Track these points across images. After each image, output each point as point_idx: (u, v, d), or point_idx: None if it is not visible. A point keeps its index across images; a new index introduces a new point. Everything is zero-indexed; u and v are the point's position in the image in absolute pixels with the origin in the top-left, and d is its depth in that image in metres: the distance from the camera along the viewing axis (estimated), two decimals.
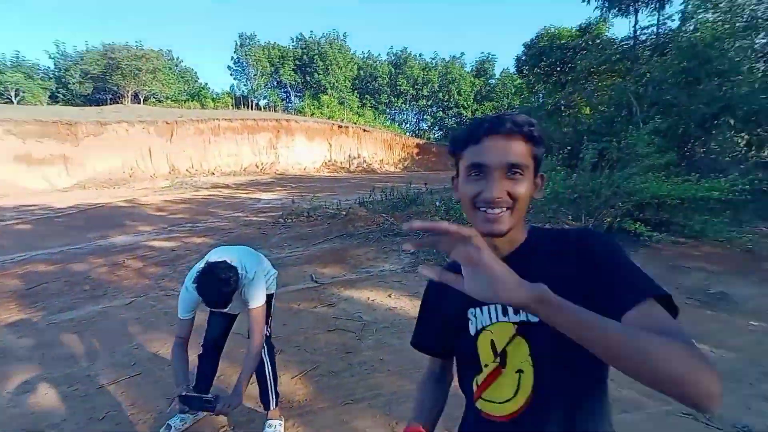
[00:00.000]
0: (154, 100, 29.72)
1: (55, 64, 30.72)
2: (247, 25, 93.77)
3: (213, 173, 20.90)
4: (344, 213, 8.51)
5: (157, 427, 1.99)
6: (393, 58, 38.38)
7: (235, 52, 35.13)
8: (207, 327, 2.13)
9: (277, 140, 24.80)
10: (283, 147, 24.91)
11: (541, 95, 18.16)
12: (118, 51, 27.47)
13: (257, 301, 1.81)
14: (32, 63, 30.15)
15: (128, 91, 28.17)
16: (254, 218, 8.90)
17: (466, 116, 37.03)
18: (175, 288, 4.31)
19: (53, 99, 28.69)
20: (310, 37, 35.69)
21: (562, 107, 16.28)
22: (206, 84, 37.02)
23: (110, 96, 29.00)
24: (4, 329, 3.42)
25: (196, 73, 36.84)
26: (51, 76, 30.49)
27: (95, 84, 28.60)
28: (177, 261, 5.49)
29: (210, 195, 13.66)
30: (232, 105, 31.23)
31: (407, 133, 36.24)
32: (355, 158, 28.36)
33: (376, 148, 30.08)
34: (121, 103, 27.12)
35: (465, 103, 37.16)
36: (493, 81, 38.91)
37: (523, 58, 16.58)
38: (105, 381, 2.50)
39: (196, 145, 21.54)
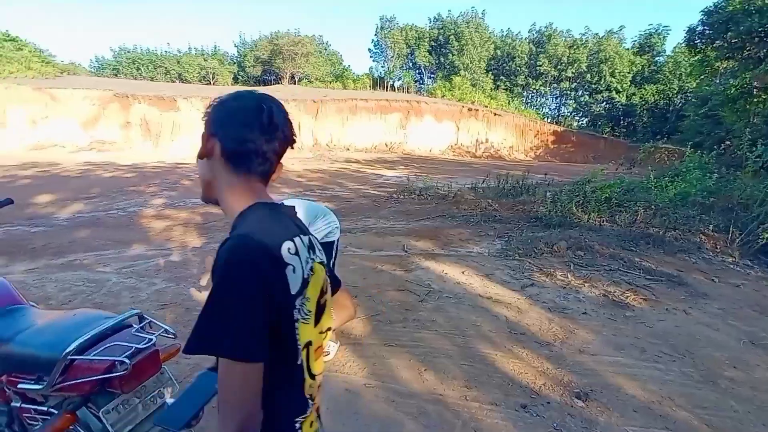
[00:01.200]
0: (306, 81, 33.97)
1: (237, 52, 37.67)
2: (389, 8, 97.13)
3: (348, 149, 23.16)
4: (452, 195, 8.73)
5: None
6: (535, 35, 35.10)
7: (375, 34, 37.27)
8: None
9: (407, 121, 25.83)
10: (412, 127, 25.86)
11: (723, 75, 14.61)
12: (281, 38, 32.08)
13: None
14: (224, 51, 37.65)
15: (287, 73, 32.81)
16: (372, 191, 9.83)
17: (619, 102, 31.80)
18: None
19: (235, 80, 35.38)
20: (447, 17, 35.29)
21: (754, 90, 12.88)
22: (349, 66, 40.45)
23: (273, 77, 34.30)
24: (189, 252, 4.85)
25: (341, 56, 40.59)
26: (234, 61, 37.53)
27: (264, 67, 34.15)
28: None
29: (341, 168, 15.37)
30: (369, 86, 33.52)
31: (544, 119, 33.20)
32: (482, 143, 27.58)
33: (507, 134, 28.61)
34: (281, 83, 31.84)
35: (619, 86, 31.72)
36: (662, 59, 32.07)
37: (700, 28, 13.44)
38: None
39: (335, 122, 24.10)
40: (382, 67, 38.08)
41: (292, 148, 0.86)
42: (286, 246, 0.74)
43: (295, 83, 32.76)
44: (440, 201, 8.40)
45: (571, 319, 3.12)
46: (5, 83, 18.99)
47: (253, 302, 0.66)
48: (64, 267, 4.18)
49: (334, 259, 2.58)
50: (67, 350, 1.14)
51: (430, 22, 36.67)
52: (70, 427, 1.22)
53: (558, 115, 36.43)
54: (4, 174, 10.66)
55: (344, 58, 47.22)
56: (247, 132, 0.76)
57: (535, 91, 35.98)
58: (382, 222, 6.54)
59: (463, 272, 4.01)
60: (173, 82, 31.92)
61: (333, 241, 2.55)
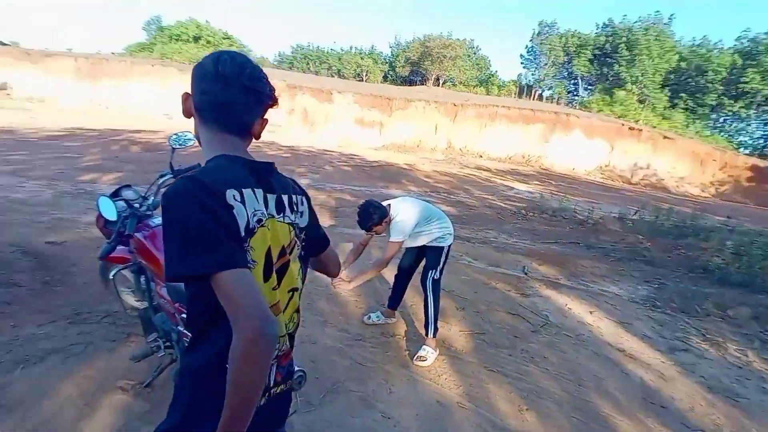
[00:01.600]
0: (449, 83, 34.16)
1: (391, 52, 40.08)
2: (550, 13, 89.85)
3: (480, 156, 22.53)
4: (592, 222, 7.71)
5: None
6: (745, 44, 27.89)
7: (530, 40, 35.03)
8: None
9: (551, 134, 23.76)
10: (555, 142, 23.68)
11: None
12: (432, 40, 32.81)
13: (392, 237, 2.42)
14: (379, 52, 40.54)
15: (432, 75, 33.51)
16: (499, 203, 9.37)
17: None
18: None
19: (384, 78, 37.78)
20: (620, 22, 30.71)
21: None
22: (496, 71, 39.10)
23: (419, 78, 35.45)
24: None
25: (489, 61, 39.40)
26: (386, 61, 40.05)
27: (412, 68, 35.57)
28: None
29: (470, 174, 15.07)
30: (515, 93, 31.86)
31: (738, 149, 26.47)
32: (641, 168, 23.50)
33: (678, 162, 23.70)
34: (425, 84, 32.73)
35: None
36: None
37: None
38: None
39: (472, 127, 23.66)
40: (532, 74, 35.76)
41: (271, 106, 0.88)
42: (231, 193, 0.74)
43: (439, 85, 33.30)
44: (576, 226, 7.50)
45: (745, 411, 2.42)
46: None
47: (202, 221, 0.69)
48: None
49: (442, 265, 2.57)
50: None
51: (597, 29, 32.61)
52: None
53: (763, 147, 28.53)
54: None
55: (492, 64, 45.79)
56: (205, 84, 0.80)
57: (731, 113, 28.83)
58: (503, 237, 6.19)
59: (591, 312, 3.50)
60: (332, 76, 35.93)
61: (443, 247, 2.55)
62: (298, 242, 0.90)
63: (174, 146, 1.98)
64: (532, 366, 2.57)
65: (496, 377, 2.39)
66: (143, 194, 1.93)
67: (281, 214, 0.85)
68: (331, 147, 18.51)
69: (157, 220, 1.77)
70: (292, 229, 0.87)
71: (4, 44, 25.10)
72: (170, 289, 1.60)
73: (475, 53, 38.46)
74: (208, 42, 28.68)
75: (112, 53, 26.96)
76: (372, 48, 41.61)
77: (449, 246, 2.58)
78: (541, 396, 2.28)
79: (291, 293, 0.89)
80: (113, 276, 1.84)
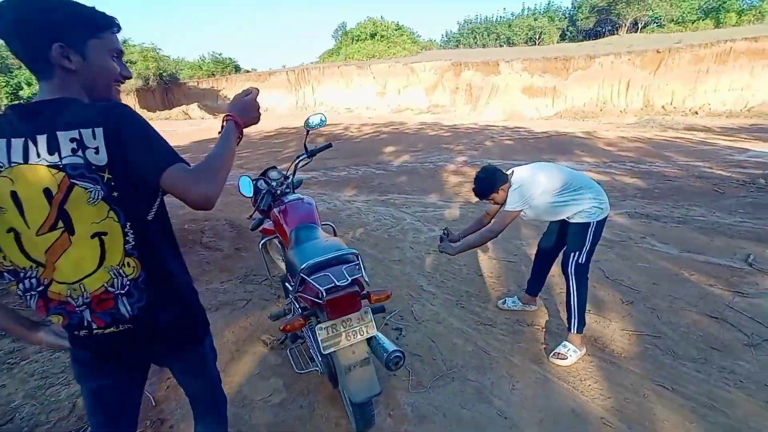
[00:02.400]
0: (654, 26, 27.12)
1: (572, 4, 34.45)
2: None
3: (696, 112, 17.33)
4: None
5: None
6: None
7: None
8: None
9: None
10: None
11: None
12: None
13: (507, 204, 2.08)
14: (556, 6, 35.50)
15: (627, 19, 27.25)
16: (717, 172, 7.04)
17: None
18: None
19: (562, 37, 33.00)
20: None
21: None
22: None
23: (609, 28, 29.40)
24: (468, 208, 5.24)
25: None
26: (565, 15, 34.71)
27: (598, 17, 29.77)
28: None
29: (675, 137, 11.80)
30: None
31: None
32: None
33: None
34: (617, 33, 26.90)
35: None
36: None
37: None
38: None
39: (686, 76, 18.31)
40: None
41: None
42: None
43: (637, 31, 26.91)
44: None
45: None
46: (389, 62, 26.07)
47: None
48: (383, 203, 5.50)
49: (589, 246, 2.05)
50: (301, 267, 1.41)
51: None
52: (302, 329, 1.62)
53: None
54: (375, 130, 14.97)
55: None
56: None
57: None
58: (717, 215, 4.60)
59: None
60: (501, 46, 33.61)
61: (589, 223, 2.02)
62: (83, 183, 0.82)
63: (308, 128, 2.21)
64: (735, 391, 1.81)
65: (668, 397, 1.79)
66: (285, 174, 2.24)
67: (40, 157, 0.80)
68: (495, 122, 17.53)
69: (292, 197, 2.02)
70: (56, 171, 0.80)
71: (247, 71, 33.41)
72: None
73: None
74: (383, 36, 31.03)
75: (311, 63, 32.40)
76: (549, 4, 36.88)
77: (599, 222, 2.03)
78: None
79: (96, 237, 0.85)
80: (261, 245, 2.23)
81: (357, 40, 31.84)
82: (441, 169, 7.72)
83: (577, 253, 2.04)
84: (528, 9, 37.85)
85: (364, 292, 1.45)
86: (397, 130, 14.82)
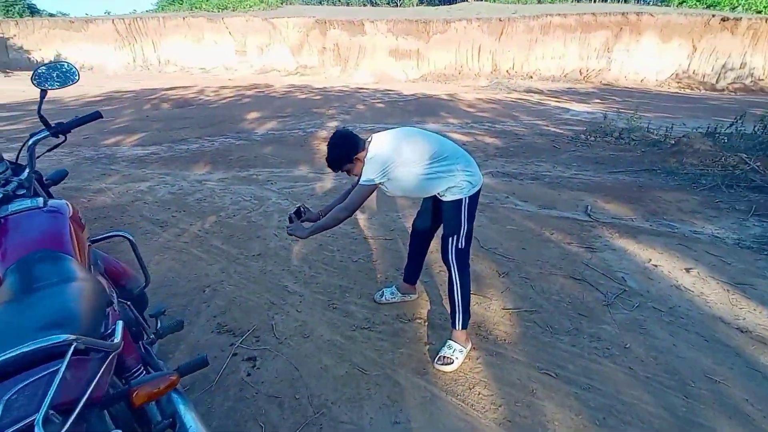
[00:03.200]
0: None
1: None
2: None
3: (531, 77, 19.98)
4: (673, 141, 6.28)
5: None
6: None
7: None
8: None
9: (616, 41, 20.13)
10: (620, 50, 20.10)
11: None
12: None
13: (362, 178, 1.76)
14: None
15: None
16: (553, 129, 8.05)
17: None
18: None
19: (420, 1, 33.92)
20: None
21: None
22: None
23: None
24: (343, 180, 4.79)
25: None
26: None
27: None
28: None
29: (519, 99, 13.31)
30: None
31: None
32: (731, 69, 19.44)
33: None
34: (467, 0, 28.87)
35: None
36: None
37: None
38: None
39: (521, 44, 20.74)
40: None
41: None
42: None
43: None
44: (650, 149, 6.16)
45: None
46: (246, 16, 22.96)
47: None
48: (244, 180, 4.65)
49: (466, 226, 1.80)
50: None
51: None
52: None
53: None
54: (236, 93, 13.13)
55: None
56: None
57: None
58: (559, 169, 5.16)
59: (687, 269, 2.61)
60: (364, 5, 32.89)
61: (460, 200, 1.77)
62: None
63: (42, 87, 1.36)
64: (607, 363, 1.81)
65: (553, 386, 1.68)
66: (13, 164, 1.32)
67: None
68: (366, 84, 17.24)
69: (20, 204, 1.11)
70: None
71: (53, 15, 25.59)
72: None
73: None
74: None
75: (146, 11, 26.55)
76: None
77: (472, 197, 1.77)
78: (627, 419, 1.54)
79: None
80: None
81: None
82: (311, 137, 7.06)
83: (455, 237, 1.77)
84: None
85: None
86: (262, 94, 13.31)
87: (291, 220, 1.91)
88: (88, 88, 14.13)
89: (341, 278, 2.47)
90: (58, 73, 1.40)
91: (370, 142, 1.80)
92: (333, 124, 8.30)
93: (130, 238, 1.43)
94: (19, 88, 13.62)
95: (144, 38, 23.61)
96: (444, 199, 1.81)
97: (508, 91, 15.38)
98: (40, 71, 1.38)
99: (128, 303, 1.34)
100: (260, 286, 2.34)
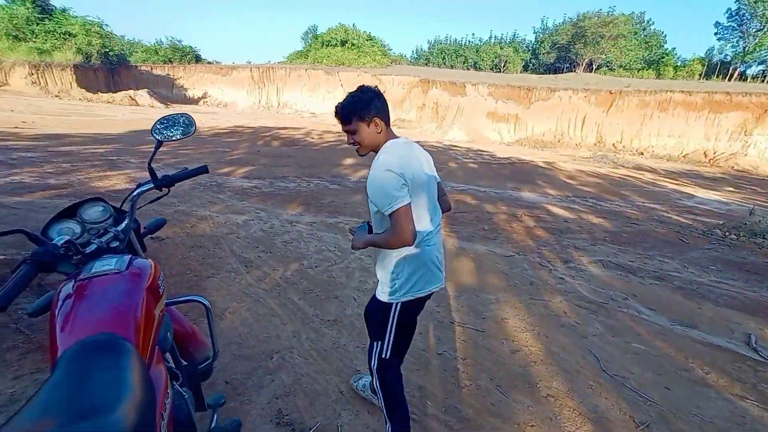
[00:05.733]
0: (605, 68, 28.89)
1: (535, 38, 36.13)
2: None
3: (642, 153, 18.29)
4: None
5: None
6: None
7: (736, 1, 26.71)
8: None
9: (756, 124, 17.65)
10: (761, 134, 17.53)
11: None
12: (588, 19, 28.06)
13: (384, 204, 1.34)
14: (521, 39, 37.05)
15: (584, 60, 28.82)
16: (675, 217, 6.93)
17: None
18: (552, 261, 4.08)
19: (524, 68, 34.30)
20: None
21: None
22: (673, 49, 31.42)
23: (567, 65, 31.00)
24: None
25: (664, 36, 31.86)
26: (529, 48, 36.29)
27: (558, 54, 31.31)
28: (565, 234, 5.18)
29: (627, 176, 12.07)
30: (700, 74, 24.99)
31: None
32: None
33: None
34: (575, 71, 28.32)
35: None
36: None
37: None
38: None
39: (632, 119, 19.35)
40: (732, 47, 27.42)
41: None
42: None
43: (591, 71, 28.46)
44: None
45: None
46: (357, 72, 25.43)
47: None
48: (331, 227, 4.63)
49: (392, 335, 1.52)
50: None
51: None
52: None
53: None
54: (337, 139, 14.08)
55: (668, 40, 37.25)
56: None
57: None
58: (692, 271, 4.23)
59: None
60: (468, 69, 34.19)
61: (390, 304, 1.49)
62: None
63: (158, 138, 1.33)
64: None
65: None
66: (114, 212, 1.24)
67: None
68: (459, 142, 17.35)
69: (103, 263, 0.99)
70: None
71: (210, 62, 31.27)
72: None
73: (644, 29, 31.67)
74: (353, 45, 30.40)
75: (278, 62, 30.97)
76: (514, 35, 38.37)
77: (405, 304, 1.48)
78: None
79: None
80: None
81: (327, 45, 30.97)
82: None
83: (378, 343, 1.49)
84: (495, 37, 39.03)
85: None
86: None
87: (352, 232, 1.63)
88: (220, 122, 16.43)
89: (421, 376, 2.08)
90: (178, 125, 1.37)
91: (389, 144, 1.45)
92: None
93: (207, 306, 1.31)
94: None
95: (270, 84, 27.41)
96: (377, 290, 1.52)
97: (614, 165, 14.12)
98: (159, 125, 1.36)
99: (185, 390, 1.15)
100: (330, 365, 2.05)
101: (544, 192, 8.16)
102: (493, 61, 34.99)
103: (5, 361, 1.69)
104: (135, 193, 1.25)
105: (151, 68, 28.00)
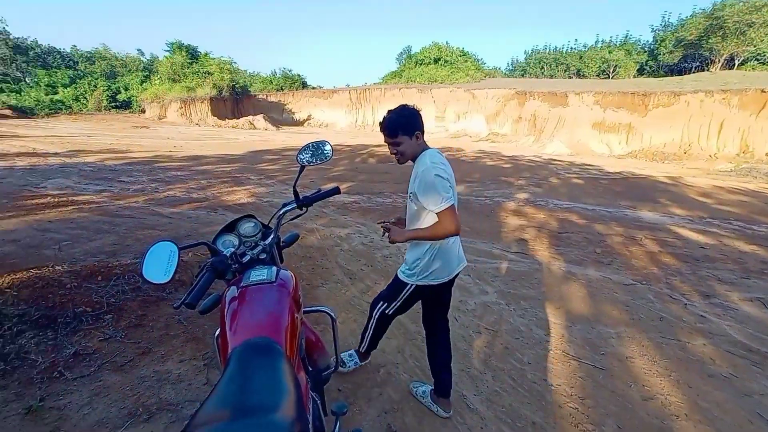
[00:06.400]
0: (754, 63, 24.17)
1: (653, 37, 32.04)
2: None
3: None
4: None
5: None
6: None
7: None
8: None
9: None
10: None
11: None
12: (728, 7, 23.86)
13: (433, 203, 1.60)
14: (635, 40, 33.23)
15: (721, 56, 24.54)
16: None
17: None
18: (687, 294, 3.47)
19: (639, 72, 30.58)
20: None
21: None
22: None
23: (696, 64, 26.77)
24: (531, 262, 4.24)
25: None
26: (645, 49, 32.29)
27: (685, 51, 27.21)
28: (702, 263, 4.39)
29: None
30: None
31: None
32: None
33: None
34: (708, 70, 24.27)
35: None
36: None
37: None
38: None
39: None
40: None
41: None
42: None
43: (732, 68, 24.09)
44: None
45: None
46: (450, 87, 25.57)
47: None
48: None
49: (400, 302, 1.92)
50: None
51: None
52: None
53: None
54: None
55: None
56: None
57: None
58: None
59: None
60: (570, 77, 31.79)
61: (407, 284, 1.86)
62: None
63: (302, 163, 1.50)
64: None
65: None
66: (263, 228, 1.43)
67: None
68: (559, 155, 16.11)
69: (258, 273, 1.16)
70: None
71: (313, 88, 34.68)
72: None
73: None
74: (446, 61, 30.71)
75: (374, 83, 32.85)
76: (626, 37, 34.59)
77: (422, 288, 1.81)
78: None
79: None
80: (216, 337, 1.48)
81: (420, 64, 31.80)
82: (498, 207, 6.74)
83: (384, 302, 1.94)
84: (602, 41, 35.59)
85: None
86: (453, 157, 13.98)
87: (386, 228, 1.79)
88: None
89: (534, 409, 1.93)
90: (318, 152, 1.54)
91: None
92: (522, 195, 7.80)
93: (333, 317, 1.42)
94: (281, 138, 18.39)
95: (366, 104, 29.07)
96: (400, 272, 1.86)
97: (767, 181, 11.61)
98: (303, 153, 1.54)
99: (315, 394, 1.25)
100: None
101: (668, 212, 7.07)
102: (599, 66, 31.99)
103: (173, 347, 2.06)
104: (281, 212, 1.44)
105: (267, 96, 31.91)
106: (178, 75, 28.43)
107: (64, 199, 5.59)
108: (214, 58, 29.56)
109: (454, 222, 1.59)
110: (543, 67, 36.40)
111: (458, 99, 24.86)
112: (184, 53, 29.08)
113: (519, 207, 6.81)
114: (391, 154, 1.70)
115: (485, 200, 7.29)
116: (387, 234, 1.77)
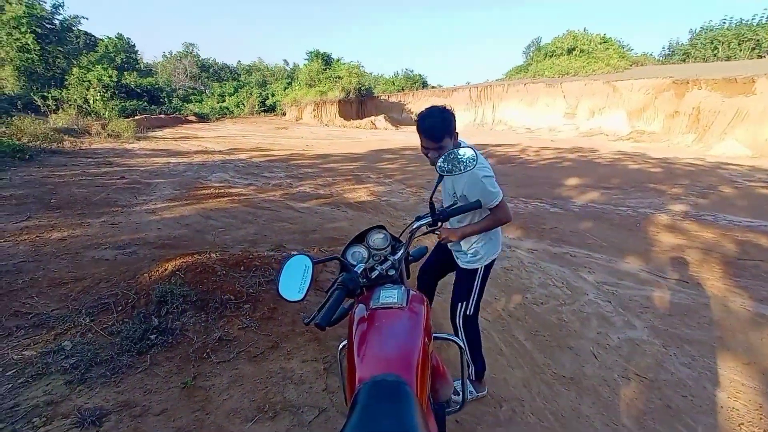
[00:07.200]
0: None
1: None
2: None
3: None
4: None
5: None
6: None
7: None
8: None
9: None
10: None
11: None
12: None
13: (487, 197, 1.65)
14: None
15: None
16: None
17: None
18: None
19: None
20: None
21: None
22: None
23: None
24: (698, 296, 3.40)
25: None
26: None
27: None
28: None
29: None
30: None
31: None
32: None
33: None
34: None
35: None
36: None
37: None
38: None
39: None
40: None
41: None
42: None
43: None
44: None
45: None
46: (585, 80, 22.77)
47: None
48: (555, 258, 4.13)
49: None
50: None
51: None
52: None
53: None
54: (557, 155, 12.94)
55: None
56: None
57: None
58: None
59: None
60: (761, 57, 24.93)
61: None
62: None
63: (442, 172, 1.36)
64: None
65: None
66: (394, 241, 1.34)
67: None
68: (733, 158, 12.80)
69: (389, 293, 1.08)
70: None
71: (433, 87, 35.00)
72: None
73: None
74: (582, 51, 27.43)
75: (496, 80, 31.43)
76: None
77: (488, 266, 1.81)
78: None
79: None
80: (341, 350, 1.43)
81: (550, 56, 29.02)
82: (646, 220, 5.65)
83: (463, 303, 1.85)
84: None
85: None
86: (585, 158, 12.38)
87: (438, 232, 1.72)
88: None
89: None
90: (459, 161, 1.40)
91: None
92: (679, 208, 6.39)
93: (463, 347, 1.26)
94: (400, 137, 18.91)
95: (487, 102, 27.87)
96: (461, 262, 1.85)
97: None
98: (442, 162, 1.41)
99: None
100: None
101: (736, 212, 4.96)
102: None
103: (298, 344, 2.19)
104: (414, 226, 1.34)
105: (388, 96, 33.25)
106: (314, 80, 31.71)
107: (222, 191, 6.66)
108: (344, 64, 32.03)
109: (507, 213, 1.74)
110: (716, 48, 29.46)
111: (594, 92, 21.89)
112: (320, 60, 32.30)
113: (675, 221, 5.59)
114: (426, 155, 1.69)
115: (627, 210, 6.20)
116: (441, 239, 1.78)
